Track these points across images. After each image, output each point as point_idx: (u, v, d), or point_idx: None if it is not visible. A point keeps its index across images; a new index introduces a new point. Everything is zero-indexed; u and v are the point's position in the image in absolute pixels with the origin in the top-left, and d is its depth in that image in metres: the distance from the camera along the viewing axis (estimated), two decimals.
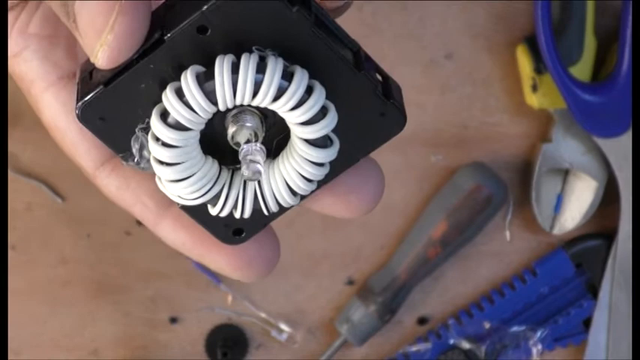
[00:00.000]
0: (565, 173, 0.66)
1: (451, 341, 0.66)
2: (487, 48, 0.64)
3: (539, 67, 0.62)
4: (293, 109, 0.31)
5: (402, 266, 0.65)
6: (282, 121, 0.32)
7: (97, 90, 0.31)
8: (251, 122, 0.32)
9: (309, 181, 0.33)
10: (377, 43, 0.64)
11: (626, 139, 0.63)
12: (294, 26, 0.31)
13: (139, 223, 0.65)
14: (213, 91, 0.30)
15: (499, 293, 0.66)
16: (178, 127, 0.31)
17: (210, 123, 0.32)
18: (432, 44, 0.64)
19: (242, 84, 0.30)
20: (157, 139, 0.31)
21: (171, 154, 0.31)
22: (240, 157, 0.32)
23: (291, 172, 0.33)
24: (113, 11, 0.30)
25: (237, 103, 0.31)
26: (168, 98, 0.31)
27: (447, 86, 0.65)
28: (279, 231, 0.71)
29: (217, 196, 0.33)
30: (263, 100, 0.31)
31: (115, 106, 0.32)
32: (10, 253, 0.64)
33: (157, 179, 0.33)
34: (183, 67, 0.31)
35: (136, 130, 0.32)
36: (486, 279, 0.67)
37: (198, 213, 0.34)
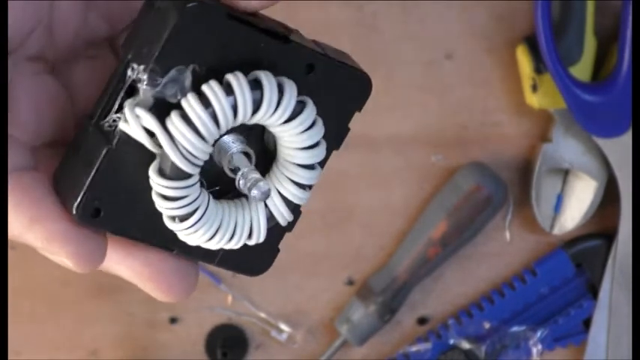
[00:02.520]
0: (565, 173, 0.66)
1: (451, 341, 0.66)
2: (487, 48, 0.64)
3: (539, 67, 0.62)
4: (287, 121, 0.32)
5: (402, 266, 0.65)
6: (256, 140, 0.33)
7: (220, 10, 0.31)
8: (240, 144, 0.32)
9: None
10: (377, 43, 0.64)
11: (626, 139, 0.63)
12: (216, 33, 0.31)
13: None
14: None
15: (499, 293, 0.66)
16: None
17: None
18: (432, 44, 0.64)
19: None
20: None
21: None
22: (241, 182, 0.32)
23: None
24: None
25: (239, 122, 0.31)
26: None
27: (447, 86, 0.65)
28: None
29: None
30: (279, 119, 0.31)
31: (209, 33, 0.31)
32: (10, 253, 0.64)
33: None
34: (274, 70, 0.31)
35: (191, 65, 0.31)
36: (486, 279, 0.67)
37: (108, 165, 0.32)
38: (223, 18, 0.31)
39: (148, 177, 0.31)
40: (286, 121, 0.31)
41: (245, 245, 0.34)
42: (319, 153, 0.33)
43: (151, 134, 0.31)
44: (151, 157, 0.31)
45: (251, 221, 0.33)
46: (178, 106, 0.30)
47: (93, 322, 0.66)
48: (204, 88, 0.30)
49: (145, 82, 0.30)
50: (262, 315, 0.67)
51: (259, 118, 0.31)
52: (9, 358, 0.65)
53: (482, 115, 0.65)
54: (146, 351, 0.66)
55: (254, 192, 0.31)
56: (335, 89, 0.34)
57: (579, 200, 0.65)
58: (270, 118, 0.31)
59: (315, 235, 0.66)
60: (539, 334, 0.66)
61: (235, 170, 0.32)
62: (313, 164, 0.33)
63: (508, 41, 0.64)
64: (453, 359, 0.66)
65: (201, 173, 0.32)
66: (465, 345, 0.66)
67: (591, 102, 0.62)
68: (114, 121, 0.31)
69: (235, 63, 0.31)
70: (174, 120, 0.30)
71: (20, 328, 0.65)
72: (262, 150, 0.33)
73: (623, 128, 0.63)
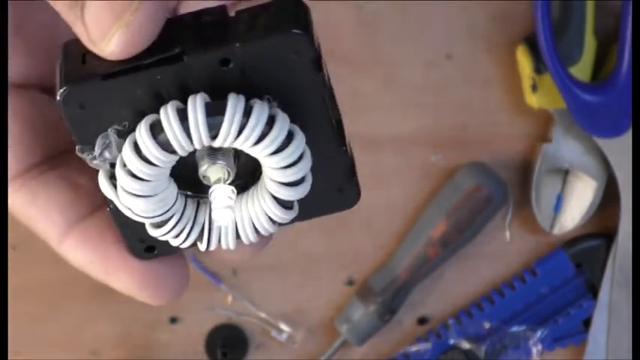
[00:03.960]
0: (565, 173, 0.66)
1: (451, 341, 0.66)
2: (487, 48, 0.64)
3: (539, 67, 0.62)
4: (273, 154, 0.30)
5: (402, 266, 0.65)
6: (249, 160, 0.31)
7: (93, 79, 0.30)
8: (224, 160, 0.31)
9: (274, 223, 0.33)
10: (377, 43, 0.64)
11: (626, 139, 0.63)
12: (312, 89, 0.31)
13: None
14: (219, 127, 0.30)
15: (499, 293, 0.66)
16: (167, 148, 0.30)
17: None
18: (432, 44, 0.64)
19: (226, 127, 0.30)
20: (139, 153, 0.30)
21: (150, 173, 0.30)
22: (211, 199, 0.31)
23: (259, 212, 0.33)
24: None
25: (216, 145, 0.30)
26: (169, 118, 0.30)
27: (447, 86, 0.65)
28: (278, 231, 0.71)
29: (181, 227, 0.33)
30: (244, 142, 0.30)
31: (102, 100, 0.31)
32: (10, 253, 0.64)
33: (104, 182, 0.32)
34: (187, 89, 0.30)
35: (110, 129, 0.31)
36: (486, 279, 0.67)
37: (121, 220, 0.33)
38: (100, 83, 0.30)
39: None
40: (256, 144, 0.30)
41: (318, 188, 0.33)
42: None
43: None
44: None
45: (202, 228, 0.33)
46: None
47: (93, 322, 0.66)
48: (126, 144, 0.30)
49: (89, 161, 0.32)
50: (262, 315, 0.67)
51: (239, 145, 0.30)
52: (9, 358, 0.65)
53: (482, 115, 0.65)
54: (146, 351, 0.67)
55: (215, 214, 0.31)
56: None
57: (579, 200, 0.65)
58: (226, 141, 0.30)
59: (315, 235, 0.66)
60: (539, 334, 0.66)
61: (208, 180, 0.31)
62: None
63: (508, 41, 0.64)
64: (453, 359, 0.66)
65: (186, 167, 0.32)
66: (465, 345, 0.66)
67: (591, 102, 0.62)
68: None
69: (148, 105, 0.30)
70: (119, 193, 0.31)
71: (20, 328, 0.65)
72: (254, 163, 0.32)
73: (623, 128, 0.63)
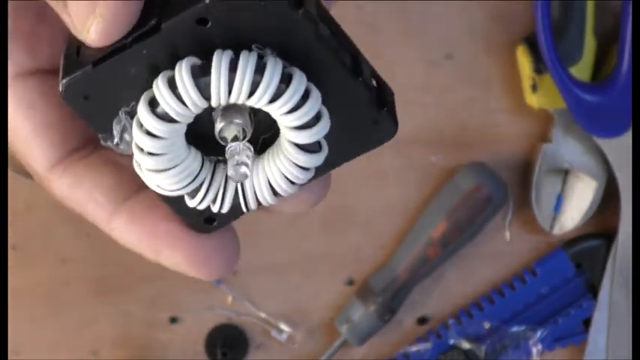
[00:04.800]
0: (565, 173, 0.66)
1: (451, 341, 0.66)
2: (487, 48, 0.64)
3: (539, 67, 0.62)
4: (288, 112, 0.30)
5: (402, 266, 0.65)
6: (270, 118, 0.31)
7: (85, 69, 0.31)
8: (240, 119, 0.31)
9: (293, 183, 0.33)
10: (377, 43, 0.64)
11: (626, 139, 0.63)
12: (298, 28, 0.30)
13: None
14: (208, 87, 0.30)
15: (499, 293, 0.66)
16: (166, 118, 0.30)
17: (199, 119, 0.31)
18: (432, 44, 0.64)
19: (239, 83, 0.30)
20: (142, 127, 0.31)
21: (155, 145, 0.31)
22: (227, 156, 0.31)
23: (276, 173, 0.32)
24: None
25: (232, 101, 0.30)
26: (159, 88, 0.30)
27: (447, 86, 0.65)
28: (279, 231, 0.71)
29: (197, 190, 0.33)
30: (258, 101, 0.30)
31: (101, 86, 0.31)
32: (10, 253, 0.64)
33: (135, 164, 0.32)
34: (177, 57, 0.30)
35: (120, 112, 0.31)
36: (486, 279, 0.67)
37: (170, 198, 0.33)
38: (92, 71, 0.31)
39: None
40: (287, 113, 0.30)
41: (349, 127, 0.33)
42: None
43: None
44: None
45: (218, 189, 0.33)
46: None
47: (93, 322, 0.66)
48: (141, 108, 0.31)
49: (115, 148, 0.32)
50: (262, 315, 0.67)
51: (254, 103, 0.30)
52: (9, 358, 0.65)
53: (482, 115, 0.65)
54: (146, 351, 0.66)
55: (230, 170, 0.31)
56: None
57: (579, 200, 0.65)
58: (269, 105, 0.30)
59: (315, 235, 0.66)
60: (539, 334, 0.66)
61: (225, 140, 0.31)
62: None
63: (508, 41, 0.64)
64: (453, 359, 0.66)
65: (203, 128, 0.32)
66: (465, 345, 0.66)
67: (591, 102, 0.62)
68: None
69: (148, 80, 0.31)
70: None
71: (20, 328, 0.65)
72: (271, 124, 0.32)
73: (623, 128, 0.63)
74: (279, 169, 0.32)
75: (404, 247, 0.65)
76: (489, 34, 0.64)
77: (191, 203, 0.33)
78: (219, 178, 0.33)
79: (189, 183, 0.32)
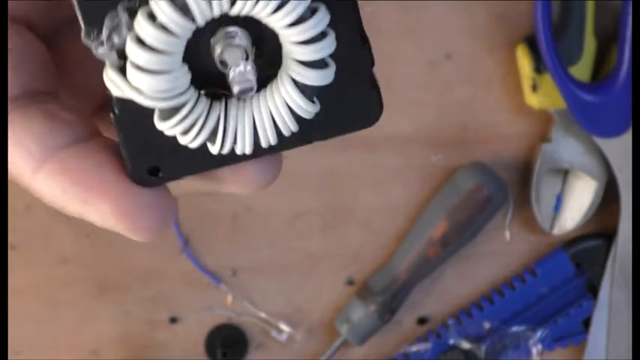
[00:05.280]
0: (565, 173, 0.66)
1: (451, 341, 0.66)
2: (487, 48, 0.64)
3: (539, 67, 0.62)
4: (293, 24, 0.29)
5: (402, 266, 0.65)
6: (270, 56, 0.30)
7: None
8: (241, 40, 0.29)
9: (295, 116, 0.31)
10: (377, 43, 0.64)
11: (626, 139, 0.63)
12: None
13: None
14: None
15: (499, 293, 0.66)
16: (178, 12, 0.28)
17: (191, 50, 0.29)
18: (432, 44, 0.64)
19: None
20: (146, 16, 0.28)
21: (156, 38, 0.28)
22: (230, 78, 0.29)
23: (279, 103, 0.30)
24: None
25: (236, 11, 0.28)
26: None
27: (447, 86, 0.65)
28: (279, 231, 0.71)
29: (193, 123, 0.30)
30: (263, 10, 0.28)
31: None
32: (10, 253, 0.64)
33: (108, 73, 0.29)
34: None
35: (119, 5, 0.29)
36: (486, 279, 0.67)
37: (126, 130, 0.31)
38: None
39: None
40: (275, 11, 0.28)
41: (336, 102, 0.31)
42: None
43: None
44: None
45: (217, 121, 0.30)
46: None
47: (93, 322, 0.66)
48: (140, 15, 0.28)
49: (95, 49, 0.29)
50: (262, 315, 0.67)
51: (259, 11, 0.28)
52: (9, 358, 0.65)
53: (482, 115, 0.65)
54: (146, 351, 0.67)
55: (235, 87, 0.29)
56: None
57: (579, 200, 0.65)
58: (273, 15, 0.28)
59: (315, 235, 0.66)
60: (539, 334, 0.66)
61: (225, 64, 0.29)
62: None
63: (508, 41, 0.64)
64: (453, 359, 0.66)
65: (200, 67, 0.30)
66: (465, 345, 0.66)
67: (591, 102, 0.62)
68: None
69: None
70: (129, 71, 0.28)
71: (20, 328, 0.65)
72: (274, 53, 0.30)
73: (623, 128, 0.63)
74: (282, 99, 0.30)
75: (404, 247, 0.65)
76: (489, 33, 0.64)
77: (185, 139, 0.30)
78: (216, 112, 0.30)
79: (178, 95, 0.29)
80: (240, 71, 0.29)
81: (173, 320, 0.66)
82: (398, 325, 0.67)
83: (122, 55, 0.29)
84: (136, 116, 0.30)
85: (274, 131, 0.31)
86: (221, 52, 0.29)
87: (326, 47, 0.29)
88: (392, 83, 0.65)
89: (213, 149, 0.31)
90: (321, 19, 0.29)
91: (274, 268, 0.66)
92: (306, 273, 0.66)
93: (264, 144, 0.31)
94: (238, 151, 0.31)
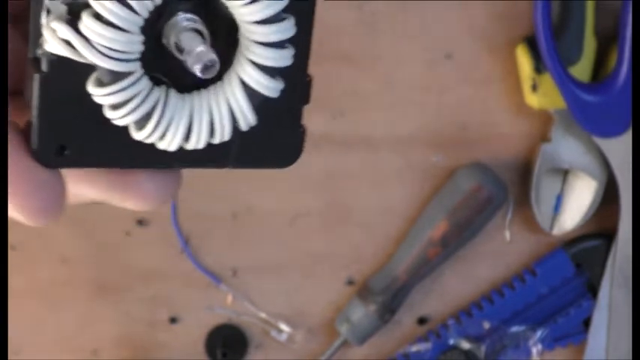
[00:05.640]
0: (565, 173, 0.66)
1: (451, 341, 0.66)
2: (487, 48, 0.64)
3: (539, 67, 0.62)
4: (252, 2, 0.28)
5: (402, 266, 0.65)
6: (224, 43, 0.29)
7: None
8: (198, 24, 0.29)
9: (250, 102, 0.30)
10: (377, 43, 0.64)
11: (626, 139, 0.63)
12: None
13: (139, 222, 0.65)
14: None
15: (499, 293, 0.66)
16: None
17: (146, 32, 0.28)
18: (432, 44, 0.64)
19: None
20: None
21: (117, 37, 0.27)
22: (189, 62, 0.28)
23: (237, 89, 0.30)
24: None
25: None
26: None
27: (447, 86, 0.65)
28: (279, 231, 0.71)
29: (149, 115, 0.29)
30: None
31: None
32: (10, 253, 0.64)
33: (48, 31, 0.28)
34: None
35: None
36: (486, 279, 0.67)
37: (47, 99, 0.29)
38: None
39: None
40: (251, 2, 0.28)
41: (258, 134, 0.30)
42: (285, 28, 0.29)
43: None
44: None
45: (212, 112, 0.30)
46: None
47: (93, 322, 0.66)
48: None
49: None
50: (262, 315, 0.67)
51: None
52: (9, 358, 0.65)
53: (482, 115, 0.65)
54: (146, 351, 0.67)
55: (196, 66, 0.28)
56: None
57: (579, 200, 0.65)
58: None
59: (314, 235, 0.66)
60: (539, 334, 0.66)
61: (182, 51, 0.28)
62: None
63: (508, 41, 0.64)
64: (453, 359, 0.66)
65: (164, 69, 0.29)
66: (465, 345, 0.66)
67: (591, 102, 0.62)
68: (43, 46, 0.28)
69: None
70: (85, 21, 0.28)
71: (20, 328, 0.65)
72: (229, 34, 0.29)
73: (623, 128, 0.63)
74: (240, 86, 0.29)
75: (404, 247, 0.65)
76: (489, 33, 0.64)
77: (113, 113, 0.29)
78: (155, 96, 0.29)
79: (127, 61, 0.28)
80: (200, 50, 0.28)
81: (173, 320, 0.66)
82: (398, 325, 0.67)
83: (73, 12, 0.28)
84: (63, 80, 0.29)
85: (231, 124, 0.30)
86: (177, 38, 0.28)
87: (286, 29, 0.29)
88: (392, 83, 0.65)
89: (138, 135, 0.29)
90: (280, 3, 0.28)
91: (274, 268, 0.66)
92: (306, 273, 0.66)
93: (218, 138, 0.30)
94: (162, 146, 0.30)
